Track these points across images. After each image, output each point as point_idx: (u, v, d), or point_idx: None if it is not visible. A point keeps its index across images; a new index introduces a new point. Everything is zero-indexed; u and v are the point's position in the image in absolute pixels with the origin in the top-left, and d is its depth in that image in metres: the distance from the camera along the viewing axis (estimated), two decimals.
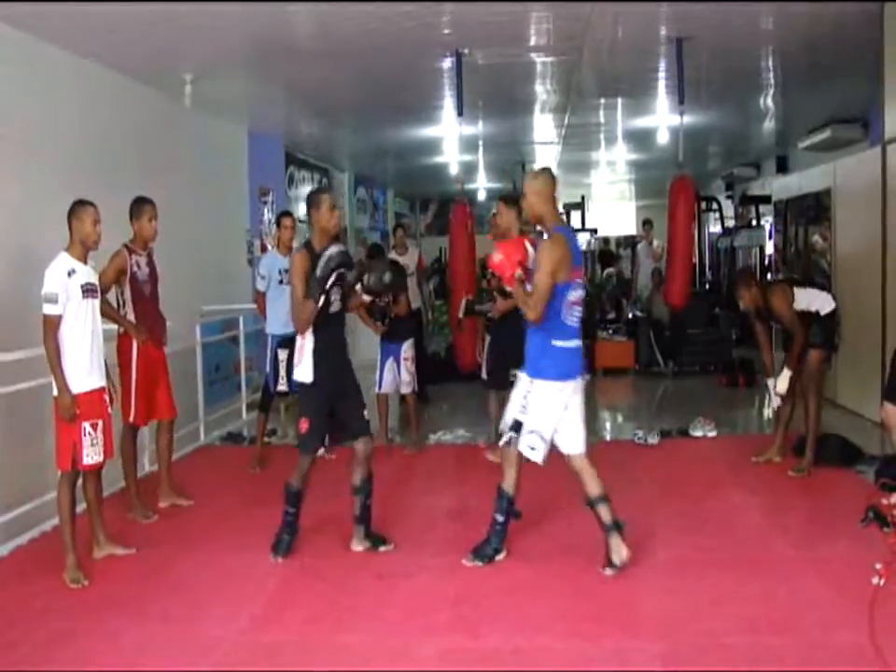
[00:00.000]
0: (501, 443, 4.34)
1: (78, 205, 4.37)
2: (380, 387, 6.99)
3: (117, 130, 7.03)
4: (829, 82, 8.79)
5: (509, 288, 4.37)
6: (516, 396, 4.27)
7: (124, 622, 3.75)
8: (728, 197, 16.34)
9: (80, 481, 4.41)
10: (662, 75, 8.49)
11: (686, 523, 4.89)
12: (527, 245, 4.41)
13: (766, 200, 12.32)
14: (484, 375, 6.96)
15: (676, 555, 4.38)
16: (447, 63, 7.66)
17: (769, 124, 11.78)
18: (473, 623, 3.66)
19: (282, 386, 6.43)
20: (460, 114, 7.83)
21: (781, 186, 11.12)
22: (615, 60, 7.98)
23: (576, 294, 4.18)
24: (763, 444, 6.34)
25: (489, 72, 7.99)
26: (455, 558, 4.42)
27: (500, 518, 4.36)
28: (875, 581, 3.86)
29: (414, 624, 3.68)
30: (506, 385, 6.77)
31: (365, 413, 4.67)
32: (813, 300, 5.86)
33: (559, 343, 4.14)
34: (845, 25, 6.77)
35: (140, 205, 5.21)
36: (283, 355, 6.37)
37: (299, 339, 4.59)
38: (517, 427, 4.21)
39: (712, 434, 7.06)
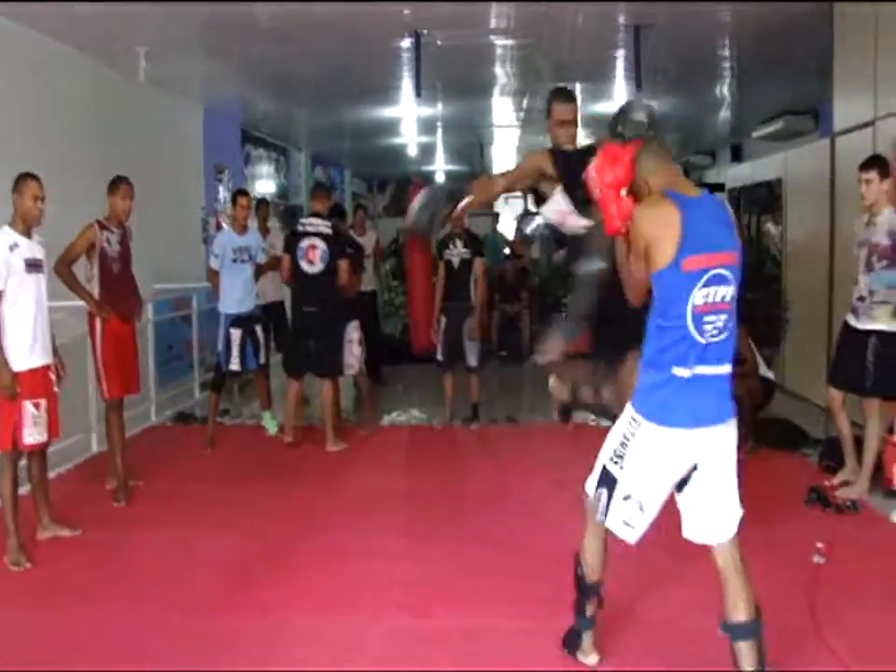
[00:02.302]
0: (586, 499, 2.99)
1: (20, 179, 4.28)
2: None
3: (69, 105, 6.86)
4: (782, 74, 8.93)
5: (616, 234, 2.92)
6: (615, 432, 2.94)
7: (68, 605, 3.70)
8: None
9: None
10: (620, 62, 8.54)
11: None
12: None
13: (721, 188, 12.48)
14: (439, 356, 6.99)
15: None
16: (406, 43, 7.62)
17: (724, 113, 11.92)
18: (423, 603, 3.68)
19: (234, 366, 6.38)
20: (418, 95, 7.81)
21: (735, 174, 11.28)
22: (574, 45, 8.01)
23: (708, 293, 2.66)
24: None
25: (448, 54, 7.96)
26: (407, 539, 4.44)
27: (578, 595, 3.14)
28: (815, 559, 3.98)
29: (364, 605, 3.68)
30: (457, 365, 6.88)
31: None
32: None
33: (679, 372, 2.69)
34: (798, 20, 6.88)
35: (115, 183, 5.19)
36: (236, 334, 6.32)
37: None
38: (609, 481, 2.87)
39: None
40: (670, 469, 2.77)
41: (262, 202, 8.66)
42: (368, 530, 4.61)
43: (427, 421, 7.28)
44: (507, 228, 14.44)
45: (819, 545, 4.08)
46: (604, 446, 2.94)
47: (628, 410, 2.87)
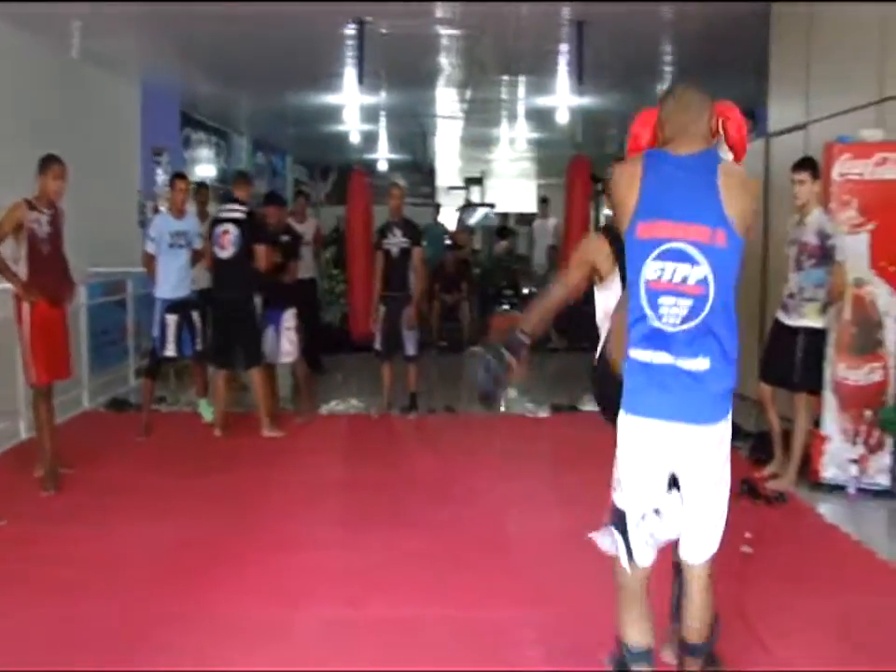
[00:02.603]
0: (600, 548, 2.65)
1: None
2: None
3: None
4: (723, 74, 9.08)
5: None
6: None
7: None
8: None
9: None
10: (563, 56, 8.61)
11: (566, 494, 4.98)
12: None
13: None
14: (377, 345, 6.97)
15: (557, 527, 4.41)
16: (350, 30, 7.56)
17: None
18: (359, 594, 3.67)
19: (170, 352, 6.27)
20: (361, 82, 7.77)
21: None
22: (518, 38, 8.05)
23: (663, 266, 2.35)
24: None
25: (392, 42, 7.93)
26: (344, 530, 4.43)
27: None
28: (744, 549, 4.08)
29: (300, 596, 3.66)
30: (395, 355, 6.87)
31: None
32: None
33: (637, 355, 2.42)
34: (739, 20, 7.03)
35: (46, 163, 5.03)
36: (171, 319, 6.22)
37: None
38: (617, 514, 2.55)
39: None
40: (649, 467, 2.45)
41: (202, 186, 8.51)
42: (303, 520, 4.59)
43: (365, 410, 7.26)
44: (448, 218, 14.47)
45: (748, 535, 4.19)
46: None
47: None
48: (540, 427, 6.83)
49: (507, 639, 3.27)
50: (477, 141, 15.79)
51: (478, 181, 16.20)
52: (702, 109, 2.52)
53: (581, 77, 7.74)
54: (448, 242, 12.56)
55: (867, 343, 5.00)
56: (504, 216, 17.10)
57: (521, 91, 10.93)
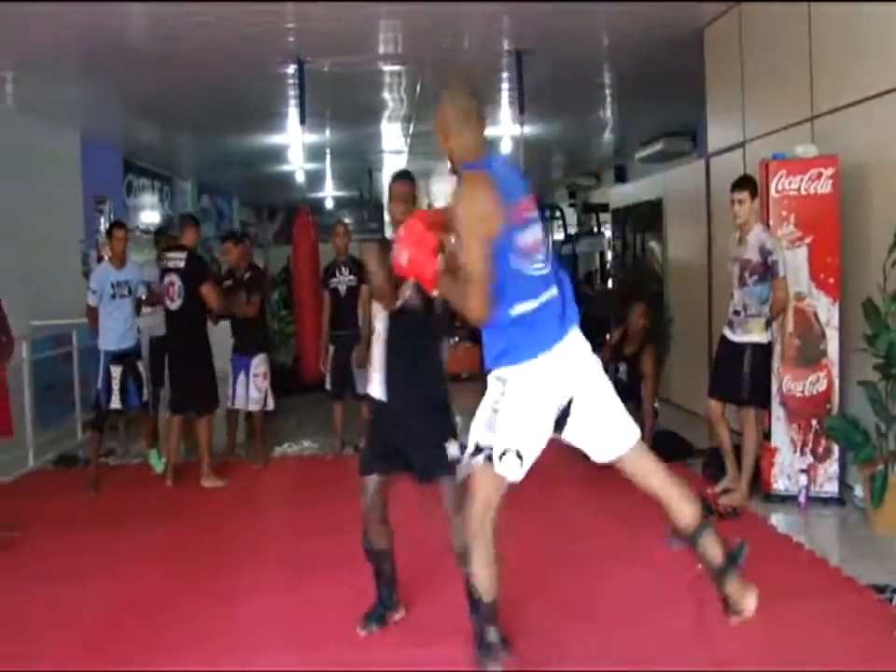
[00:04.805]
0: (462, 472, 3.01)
1: None
2: (232, 402, 6.78)
3: None
4: (662, 98, 9.27)
5: (435, 293, 3.00)
6: (484, 408, 2.91)
7: None
8: (571, 205, 16.91)
9: None
10: (504, 86, 8.69)
11: (522, 517, 4.90)
12: (431, 215, 3.20)
13: (606, 208, 12.83)
14: (328, 385, 6.91)
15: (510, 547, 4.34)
16: (290, 69, 7.56)
17: (608, 136, 12.29)
18: (310, 637, 3.60)
19: (115, 404, 6.15)
20: (303, 122, 7.75)
21: (618, 195, 11.60)
22: (459, 70, 8.10)
23: (528, 235, 2.79)
24: None
25: (335, 79, 7.95)
26: (294, 574, 4.34)
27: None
28: (699, 566, 4.06)
29: (251, 643, 3.57)
30: (346, 394, 6.80)
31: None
32: None
33: (522, 308, 2.75)
34: (673, 45, 7.16)
35: None
36: (116, 371, 6.11)
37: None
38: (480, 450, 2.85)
39: None
40: (544, 400, 2.76)
41: (161, 232, 8.41)
42: (257, 564, 4.50)
43: (318, 451, 7.16)
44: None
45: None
46: (473, 426, 2.90)
47: (491, 381, 2.88)
48: None
49: None
50: (423, 174, 15.85)
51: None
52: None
53: (523, 105, 7.80)
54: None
55: (811, 354, 5.06)
56: None
57: None
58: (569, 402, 2.78)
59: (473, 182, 2.77)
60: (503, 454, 2.73)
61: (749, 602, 2.82)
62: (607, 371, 3.21)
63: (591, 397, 2.80)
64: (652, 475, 2.82)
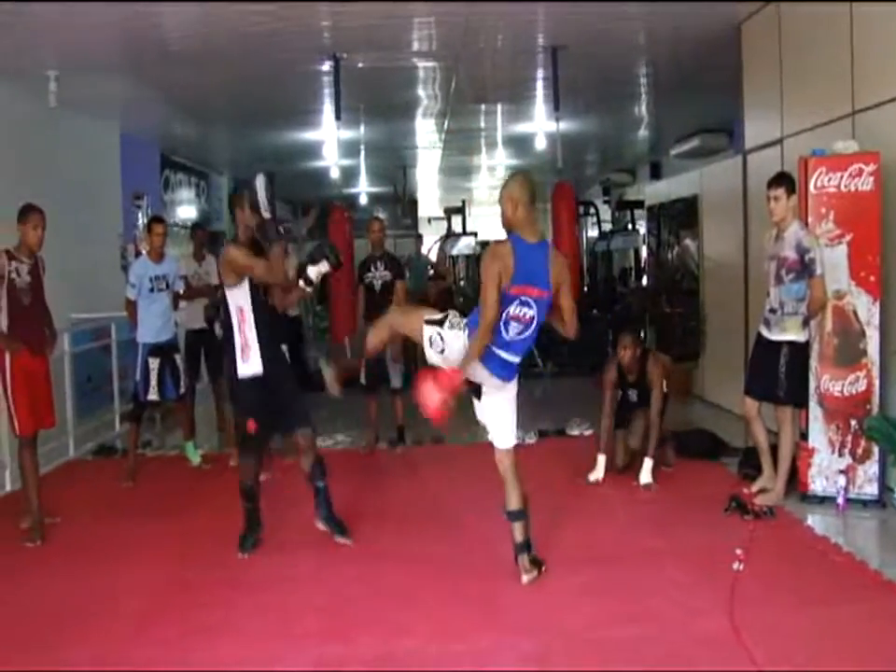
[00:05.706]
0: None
1: None
2: None
3: None
4: (698, 93, 9.20)
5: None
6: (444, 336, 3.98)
7: None
8: (605, 202, 16.82)
9: None
10: (539, 82, 8.68)
11: (554, 518, 4.93)
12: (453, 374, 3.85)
13: (641, 205, 12.75)
14: (363, 380, 6.94)
15: (540, 552, 4.28)
16: (325, 66, 7.61)
17: (643, 132, 12.22)
18: (344, 628, 3.63)
19: (153, 396, 6.24)
20: (338, 118, 7.80)
21: (654, 191, 11.52)
22: (493, 67, 8.12)
23: (518, 310, 3.85)
24: None
25: (369, 76, 8.00)
26: (323, 565, 4.40)
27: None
28: (735, 566, 4.05)
29: (288, 632, 3.62)
30: (380, 388, 6.84)
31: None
32: None
33: (494, 349, 3.87)
34: (709, 42, 7.11)
35: (26, 212, 5.02)
36: (154, 363, 6.19)
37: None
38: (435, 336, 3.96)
39: (588, 432, 7.22)
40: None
41: (197, 227, 8.48)
42: (287, 555, 4.56)
43: (351, 445, 7.21)
44: (430, 249, 14.52)
45: (739, 551, 4.16)
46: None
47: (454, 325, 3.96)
48: (529, 454, 6.77)
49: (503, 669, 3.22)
50: (458, 170, 15.89)
51: (459, 210, 16.26)
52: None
53: (558, 102, 7.78)
54: (430, 272, 12.58)
55: (850, 353, 4.99)
56: (486, 244, 17.13)
57: (499, 119, 11.02)
58: (481, 386, 3.98)
59: (497, 246, 3.92)
60: (440, 334, 3.93)
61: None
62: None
63: (493, 398, 4.06)
64: (513, 476, 4.14)
